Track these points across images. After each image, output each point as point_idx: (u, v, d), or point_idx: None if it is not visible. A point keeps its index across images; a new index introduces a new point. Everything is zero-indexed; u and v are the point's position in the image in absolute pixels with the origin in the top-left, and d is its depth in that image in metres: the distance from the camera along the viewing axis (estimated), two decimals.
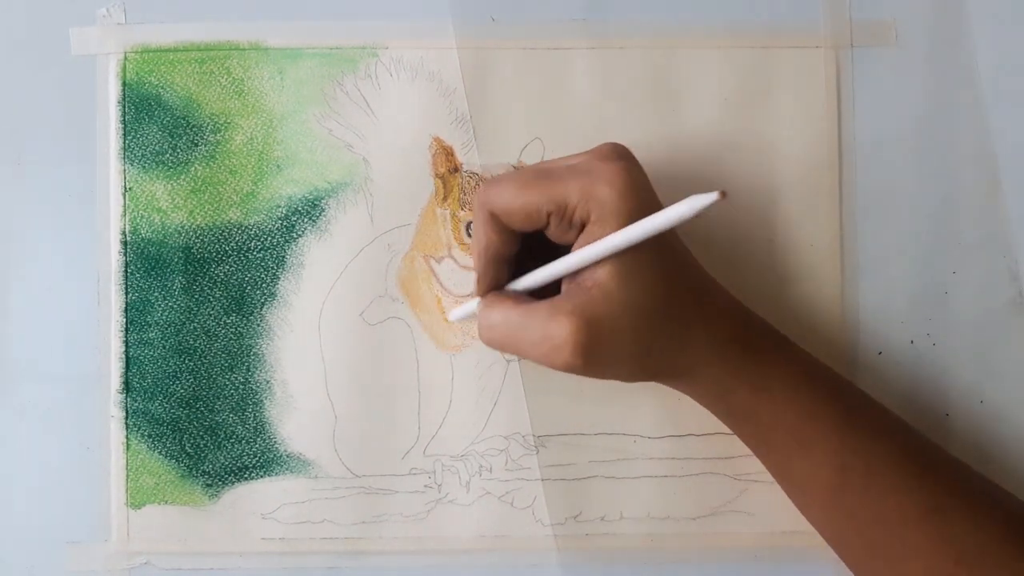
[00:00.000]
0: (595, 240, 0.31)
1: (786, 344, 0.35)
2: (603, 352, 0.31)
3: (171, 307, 0.39)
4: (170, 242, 0.39)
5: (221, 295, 0.39)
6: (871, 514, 0.33)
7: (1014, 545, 0.32)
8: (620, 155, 0.33)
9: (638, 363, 0.33)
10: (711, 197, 0.27)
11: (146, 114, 0.40)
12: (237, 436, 0.39)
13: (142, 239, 0.39)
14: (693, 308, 0.33)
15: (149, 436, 0.39)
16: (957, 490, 0.33)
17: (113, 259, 0.39)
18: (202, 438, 0.39)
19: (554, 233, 0.33)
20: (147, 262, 0.39)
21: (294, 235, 0.39)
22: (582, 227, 0.32)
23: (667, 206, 0.29)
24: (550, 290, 0.34)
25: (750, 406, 0.34)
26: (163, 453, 0.39)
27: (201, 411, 0.39)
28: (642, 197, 0.31)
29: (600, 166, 0.32)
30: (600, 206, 0.31)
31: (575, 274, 0.32)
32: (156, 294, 0.39)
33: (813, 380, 0.34)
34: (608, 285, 0.31)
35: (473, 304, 0.35)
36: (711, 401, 0.35)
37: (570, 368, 0.31)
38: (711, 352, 0.33)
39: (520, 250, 0.35)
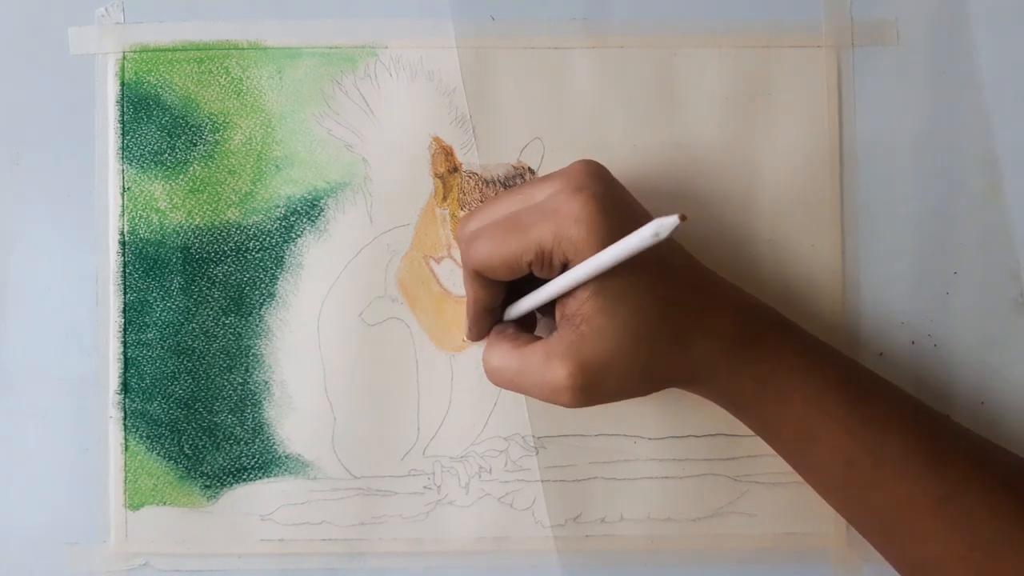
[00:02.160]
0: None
1: (790, 332, 0.35)
2: (602, 387, 0.32)
3: (169, 308, 0.39)
4: (168, 242, 0.39)
5: (220, 295, 0.39)
6: (881, 503, 0.33)
7: None
8: (589, 179, 0.32)
9: (639, 385, 0.33)
10: (672, 221, 0.27)
11: (144, 114, 0.39)
12: (236, 437, 0.39)
13: (140, 239, 0.39)
14: (688, 316, 0.33)
15: (148, 437, 0.39)
16: (972, 475, 0.33)
17: (111, 259, 0.39)
18: (201, 439, 0.39)
19: (540, 275, 0.33)
20: (145, 262, 0.39)
21: (293, 235, 0.39)
22: (564, 267, 0.32)
23: (655, 216, 0.29)
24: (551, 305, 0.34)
25: (755, 401, 0.34)
26: (162, 454, 0.39)
27: (200, 412, 0.39)
28: (613, 225, 0.31)
29: (567, 203, 0.31)
30: (573, 246, 0.31)
31: (563, 308, 0.32)
32: (154, 294, 0.39)
33: (819, 370, 0.34)
34: (596, 320, 0.31)
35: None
36: (717, 398, 0.35)
37: (575, 407, 0.32)
38: (711, 356, 0.33)
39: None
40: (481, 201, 0.39)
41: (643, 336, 0.32)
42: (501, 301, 0.35)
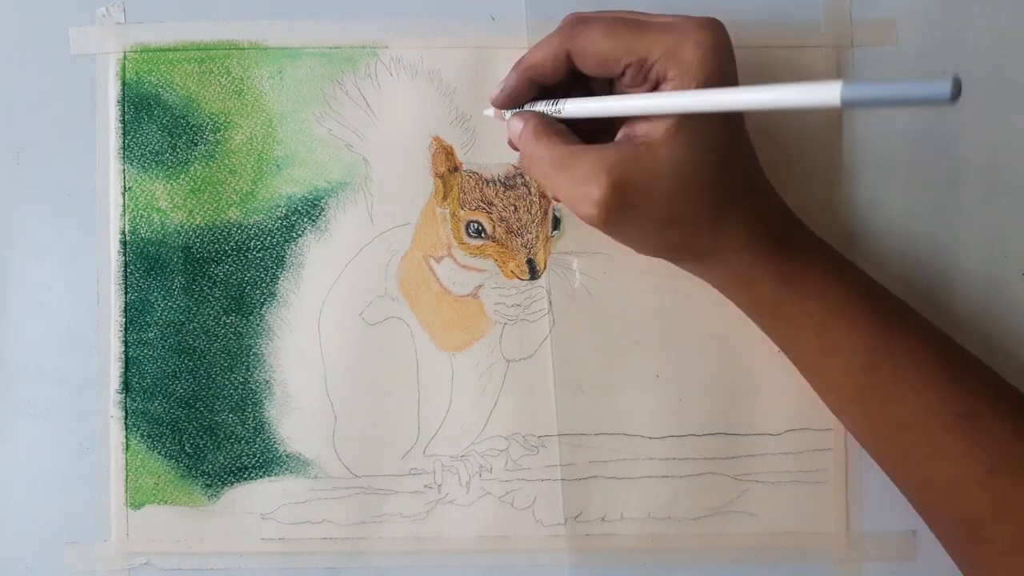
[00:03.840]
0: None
1: (822, 245, 0.34)
2: (629, 216, 0.31)
3: (171, 307, 0.39)
4: (170, 242, 0.39)
5: (221, 295, 0.39)
6: (900, 417, 0.32)
7: None
8: (717, 26, 0.31)
9: (661, 234, 0.32)
10: (836, 89, 0.23)
11: (145, 114, 0.39)
12: (237, 436, 0.39)
13: (141, 239, 0.39)
14: (737, 196, 0.32)
15: (149, 436, 0.39)
16: (991, 397, 0.32)
17: (112, 259, 0.39)
18: (202, 438, 0.39)
19: (627, 84, 0.32)
20: (146, 262, 0.39)
21: (294, 235, 0.39)
22: (656, 85, 0.31)
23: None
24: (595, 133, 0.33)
25: (777, 299, 0.33)
26: (163, 453, 0.39)
27: (201, 411, 0.39)
28: (725, 68, 0.30)
29: (693, 29, 0.30)
30: (679, 65, 0.30)
31: (632, 126, 0.31)
32: (156, 294, 0.39)
33: (845, 278, 0.33)
34: (659, 147, 0.30)
35: (517, 125, 0.33)
36: (735, 290, 0.34)
37: (591, 222, 0.31)
38: (743, 240, 0.32)
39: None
40: (481, 201, 0.39)
41: (692, 187, 0.31)
42: (553, 86, 0.33)
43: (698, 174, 0.31)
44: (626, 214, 0.31)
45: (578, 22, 0.32)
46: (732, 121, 0.32)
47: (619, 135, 0.32)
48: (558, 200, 0.33)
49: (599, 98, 0.32)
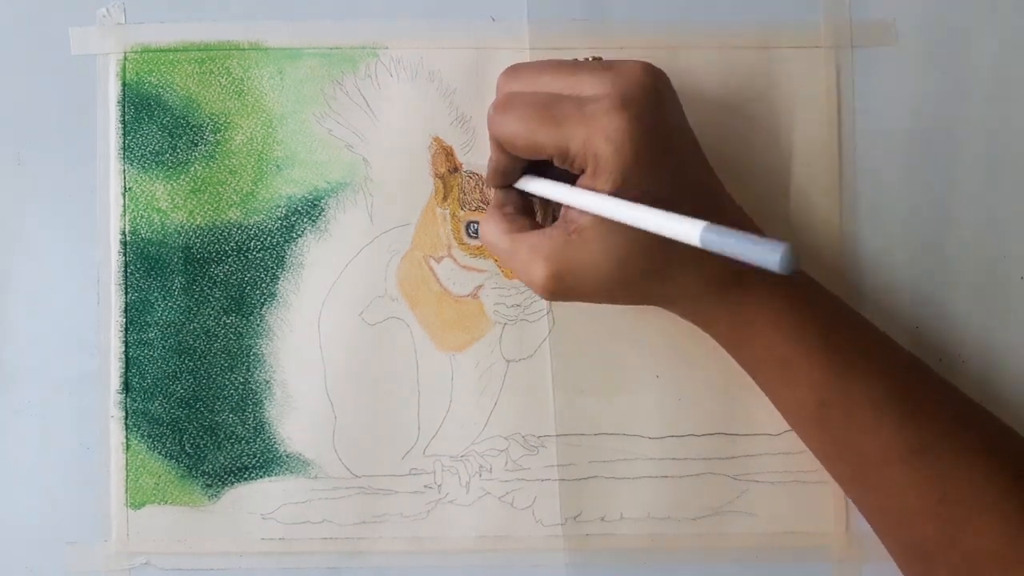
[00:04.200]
0: (585, 189, 0.31)
1: (782, 276, 0.34)
2: (573, 293, 0.33)
3: (171, 307, 0.39)
4: (170, 242, 0.39)
5: (221, 295, 0.39)
6: (853, 450, 0.33)
7: (1001, 484, 0.32)
8: (641, 92, 0.31)
9: (610, 299, 0.34)
10: (689, 233, 0.26)
11: (146, 114, 0.40)
12: (237, 436, 0.39)
13: (142, 239, 0.39)
14: (684, 250, 0.31)
15: (149, 436, 0.39)
16: (949, 431, 0.33)
17: (113, 259, 0.39)
18: (202, 438, 0.39)
19: (561, 166, 0.33)
20: (147, 262, 0.39)
21: (294, 235, 0.39)
22: (581, 170, 0.32)
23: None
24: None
25: (734, 337, 0.34)
26: (163, 453, 0.39)
27: (201, 411, 0.39)
28: (642, 158, 0.30)
29: (606, 116, 0.30)
30: (595, 161, 0.30)
31: (568, 209, 0.33)
32: (156, 294, 0.39)
33: (803, 315, 0.33)
34: (588, 233, 0.31)
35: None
36: (698, 325, 0.35)
37: (543, 297, 0.34)
38: (692, 289, 0.33)
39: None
40: (481, 201, 0.39)
41: (630, 263, 0.32)
42: (520, 168, 0.35)
43: (630, 249, 0.31)
44: (570, 293, 0.33)
45: (500, 109, 0.33)
46: (663, 199, 0.31)
47: (560, 215, 0.33)
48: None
49: (537, 180, 0.34)
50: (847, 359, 0.33)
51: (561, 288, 0.32)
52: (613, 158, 0.30)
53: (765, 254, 0.23)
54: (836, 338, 0.34)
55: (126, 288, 0.39)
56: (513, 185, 0.36)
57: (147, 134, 0.40)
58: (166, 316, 0.39)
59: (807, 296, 0.34)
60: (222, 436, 0.39)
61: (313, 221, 0.40)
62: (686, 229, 0.26)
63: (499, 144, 0.34)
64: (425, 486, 0.39)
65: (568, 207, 0.32)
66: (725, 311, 0.34)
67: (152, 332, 0.39)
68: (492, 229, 0.34)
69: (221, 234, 0.39)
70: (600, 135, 0.30)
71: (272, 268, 0.39)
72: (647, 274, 0.32)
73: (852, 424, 0.33)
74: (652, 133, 0.30)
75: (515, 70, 0.34)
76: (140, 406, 0.39)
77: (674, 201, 0.32)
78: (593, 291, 0.32)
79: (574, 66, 0.33)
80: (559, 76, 0.32)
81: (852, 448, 0.33)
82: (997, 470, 0.32)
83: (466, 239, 0.39)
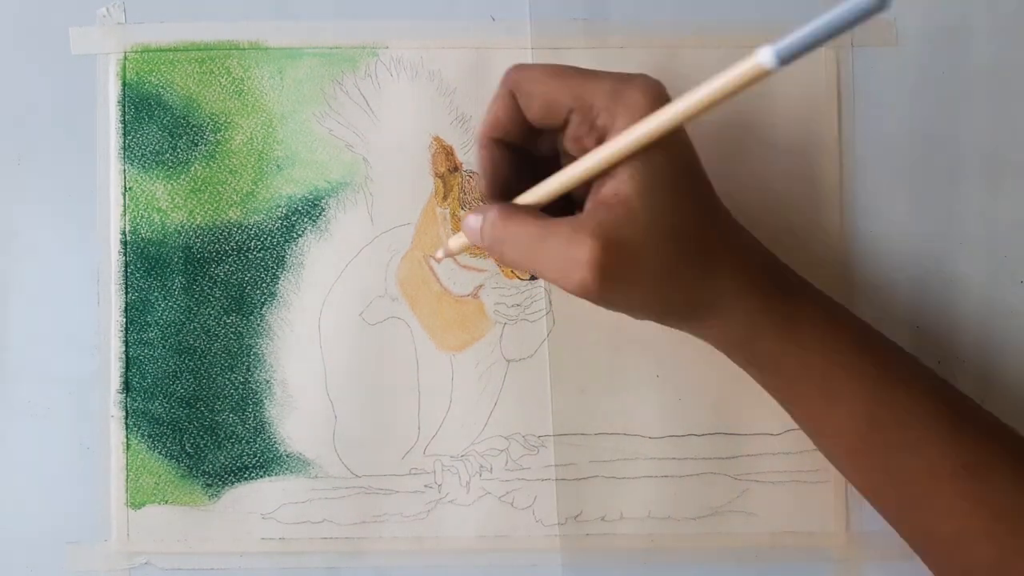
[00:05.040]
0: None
1: (815, 292, 0.34)
2: (624, 275, 0.29)
3: (171, 307, 0.39)
4: (170, 242, 0.39)
5: (221, 295, 0.39)
6: (902, 469, 0.32)
7: None
8: (656, 81, 0.31)
9: (658, 292, 0.31)
10: (758, 65, 0.23)
11: (146, 114, 0.40)
12: (237, 436, 0.39)
13: (142, 239, 0.39)
14: (719, 237, 0.31)
15: (149, 436, 0.39)
16: (994, 446, 0.32)
17: (113, 259, 0.39)
18: (202, 438, 0.39)
19: (571, 137, 0.31)
20: (147, 262, 0.39)
21: (294, 235, 0.39)
22: (600, 139, 0.30)
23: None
24: (560, 211, 0.32)
25: (776, 353, 0.32)
26: (163, 453, 0.39)
27: (201, 411, 0.39)
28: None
29: (635, 76, 0.30)
30: (629, 110, 0.29)
31: (598, 190, 0.30)
32: (156, 294, 0.39)
33: (843, 331, 0.33)
34: (633, 203, 0.29)
35: (475, 220, 0.32)
36: (736, 346, 0.33)
37: (585, 291, 0.29)
38: (739, 287, 0.31)
39: (521, 179, 0.33)
40: (481, 201, 0.39)
41: (678, 235, 0.30)
42: (516, 136, 0.32)
43: (680, 219, 0.30)
44: (621, 274, 0.29)
45: (521, 67, 0.32)
46: (691, 167, 0.31)
47: (587, 205, 0.30)
48: (541, 277, 0.31)
49: (553, 177, 0.31)
50: (892, 373, 0.32)
51: (612, 266, 0.28)
52: (647, 104, 0.29)
53: (857, 2, 0.21)
54: (877, 353, 0.33)
55: (126, 288, 0.39)
56: (515, 200, 0.33)
57: (147, 134, 0.40)
58: (166, 316, 0.39)
59: (841, 314, 0.34)
60: (222, 436, 0.39)
61: (313, 221, 0.40)
62: (752, 63, 0.23)
63: (511, 99, 0.31)
64: (425, 486, 0.39)
65: (598, 188, 0.30)
66: (771, 320, 0.32)
67: (152, 332, 0.39)
68: (516, 220, 0.30)
69: (221, 234, 0.39)
70: (632, 86, 0.29)
71: (272, 268, 0.39)
72: (695, 258, 0.30)
73: (901, 441, 0.32)
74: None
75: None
76: (140, 406, 0.39)
77: (707, 182, 0.32)
78: (644, 273, 0.29)
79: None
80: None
81: (900, 468, 0.32)
82: None
83: None
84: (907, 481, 0.32)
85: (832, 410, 0.32)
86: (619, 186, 0.29)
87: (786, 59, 0.23)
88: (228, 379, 0.39)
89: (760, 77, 0.24)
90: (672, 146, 0.29)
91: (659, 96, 0.29)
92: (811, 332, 0.32)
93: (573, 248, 0.29)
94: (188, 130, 0.40)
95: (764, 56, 0.23)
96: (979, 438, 0.32)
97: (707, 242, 0.31)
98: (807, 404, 0.33)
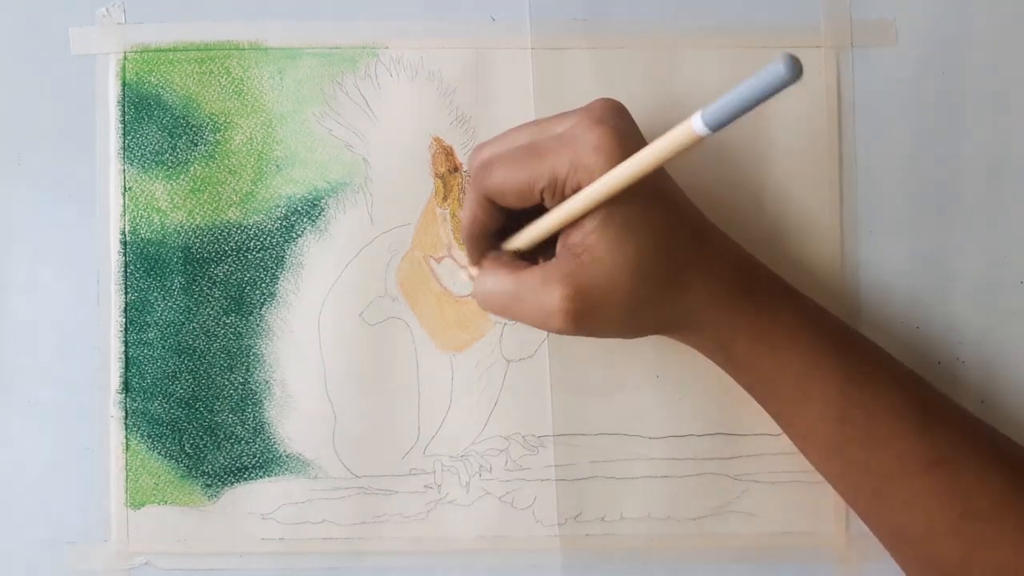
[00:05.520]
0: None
1: (788, 291, 0.35)
2: (595, 316, 0.32)
3: (170, 307, 0.39)
4: (169, 242, 0.39)
5: (220, 295, 0.39)
6: (873, 465, 0.33)
7: (1020, 495, 0.31)
8: (610, 114, 0.32)
9: (632, 321, 0.33)
10: (691, 130, 0.26)
11: (146, 114, 0.40)
12: (236, 436, 0.39)
13: (141, 239, 0.39)
14: (689, 254, 0.32)
15: (149, 436, 0.39)
16: (962, 442, 0.32)
17: (112, 259, 0.39)
18: (202, 438, 0.39)
19: (551, 205, 0.32)
20: (146, 262, 0.39)
21: (294, 235, 0.39)
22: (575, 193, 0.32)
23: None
24: (549, 245, 0.34)
25: (750, 356, 0.34)
26: (163, 453, 0.39)
27: (201, 411, 0.39)
28: (629, 151, 0.30)
29: (586, 133, 0.31)
30: (589, 174, 0.30)
31: (567, 238, 0.32)
32: (155, 294, 0.39)
33: (816, 329, 0.34)
34: (597, 250, 0.31)
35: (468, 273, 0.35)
36: (711, 351, 0.35)
37: (564, 333, 0.32)
38: (709, 298, 0.33)
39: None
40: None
41: (644, 271, 0.31)
42: (498, 227, 0.35)
43: (643, 256, 0.31)
44: (593, 314, 0.31)
45: (482, 168, 0.33)
46: (656, 186, 0.32)
47: (558, 250, 0.33)
48: (523, 322, 0.34)
49: (531, 226, 0.33)
50: (862, 370, 0.33)
51: (581, 310, 0.31)
52: (606, 163, 0.30)
53: (770, 72, 0.24)
54: (849, 351, 0.34)
55: (126, 288, 0.39)
56: (502, 246, 0.35)
57: (147, 134, 0.40)
58: (166, 316, 0.39)
59: (814, 313, 0.35)
60: (222, 436, 0.39)
61: (313, 221, 0.40)
62: (685, 127, 0.26)
63: (483, 201, 0.33)
64: (425, 486, 0.39)
65: (566, 236, 0.32)
66: (742, 326, 0.33)
67: (152, 332, 0.39)
68: (492, 276, 0.33)
69: (221, 234, 0.39)
70: (586, 149, 0.31)
71: (272, 268, 0.39)
72: (662, 283, 0.32)
73: (871, 437, 0.33)
74: (630, 139, 0.31)
75: (483, 144, 0.35)
76: (140, 406, 0.39)
77: (672, 192, 0.33)
78: (613, 310, 0.32)
79: (536, 120, 0.34)
80: (525, 130, 0.34)
81: (871, 464, 0.33)
82: (1012, 480, 0.32)
83: None
84: (877, 477, 0.33)
85: (805, 408, 0.34)
86: (584, 236, 0.31)
87: (713, 126, 0.25)
88: (228, 379, 0.39)
89: (695, 143, 0.26)
90: (633, 186, 0.31)
91: (617, 147, 0.30)
92: (784, 333, 0.33)
93: (544, 296, 0.31)
94: (188, 130, 0.40)
95: (696, 123, 0.26)
96: (947, 434, 0.33)
97: (675, 265, 0.32)
98: (780, 403, 0.35)
